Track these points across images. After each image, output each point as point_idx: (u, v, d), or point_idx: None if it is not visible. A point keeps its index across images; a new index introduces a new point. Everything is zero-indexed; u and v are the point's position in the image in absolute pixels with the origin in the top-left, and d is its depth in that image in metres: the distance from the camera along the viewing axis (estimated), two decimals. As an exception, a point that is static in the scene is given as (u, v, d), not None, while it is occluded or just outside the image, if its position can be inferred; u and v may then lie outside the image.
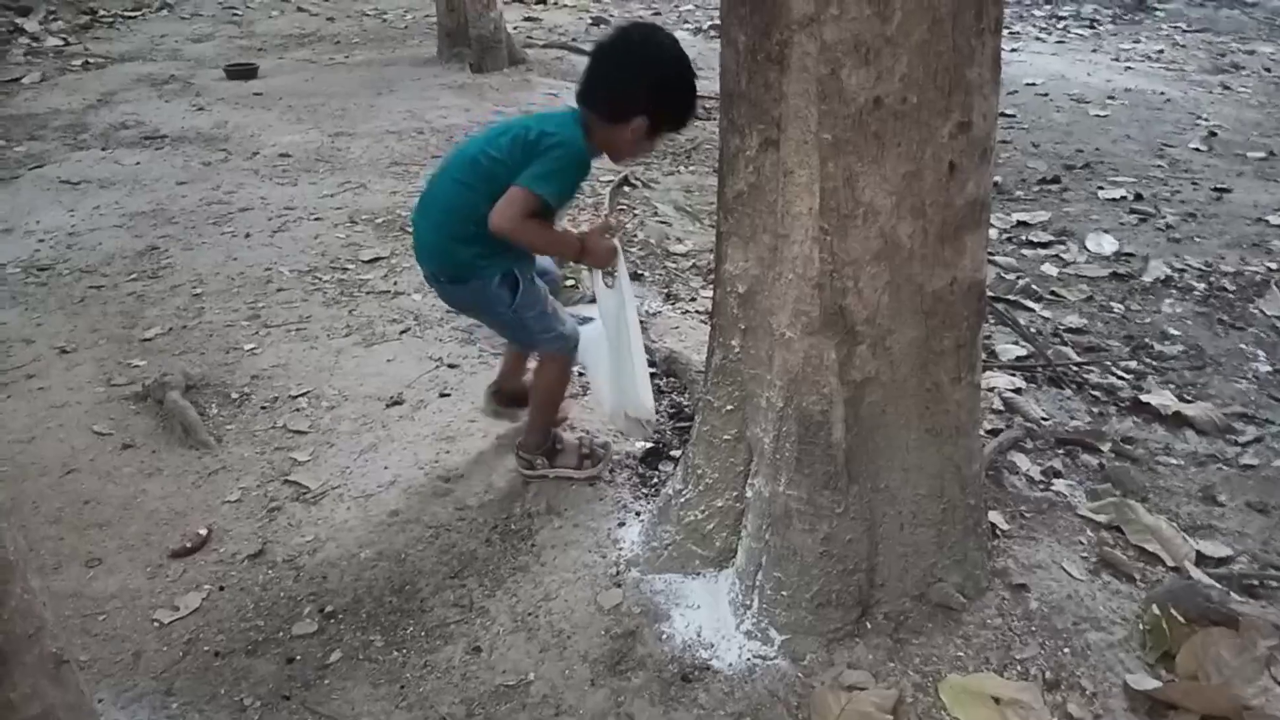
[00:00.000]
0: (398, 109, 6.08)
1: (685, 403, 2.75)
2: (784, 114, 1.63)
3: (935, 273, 1.72)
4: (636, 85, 2.03)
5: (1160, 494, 2.52)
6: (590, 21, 9.62)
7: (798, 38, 1.56)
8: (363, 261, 3.85)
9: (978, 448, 1.95)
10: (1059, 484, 2.51)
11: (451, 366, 3.02)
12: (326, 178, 4.89)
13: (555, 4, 10.79)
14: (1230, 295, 3.78)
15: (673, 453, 2.49)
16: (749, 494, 1.92)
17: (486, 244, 2.10)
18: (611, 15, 10.05)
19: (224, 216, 4.33)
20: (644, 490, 2.33)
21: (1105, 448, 2.72)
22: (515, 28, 7.86)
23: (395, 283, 3.67)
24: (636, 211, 4.57)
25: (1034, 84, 7.06)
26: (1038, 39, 8.96)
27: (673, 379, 2.88)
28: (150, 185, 4.73)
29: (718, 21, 10.14)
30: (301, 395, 2.87)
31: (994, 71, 1.64)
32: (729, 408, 1.92)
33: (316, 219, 4.31)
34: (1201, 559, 2.20)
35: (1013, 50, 8.34)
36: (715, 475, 1.96)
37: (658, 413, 2.63)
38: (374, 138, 5.56)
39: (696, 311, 3.53)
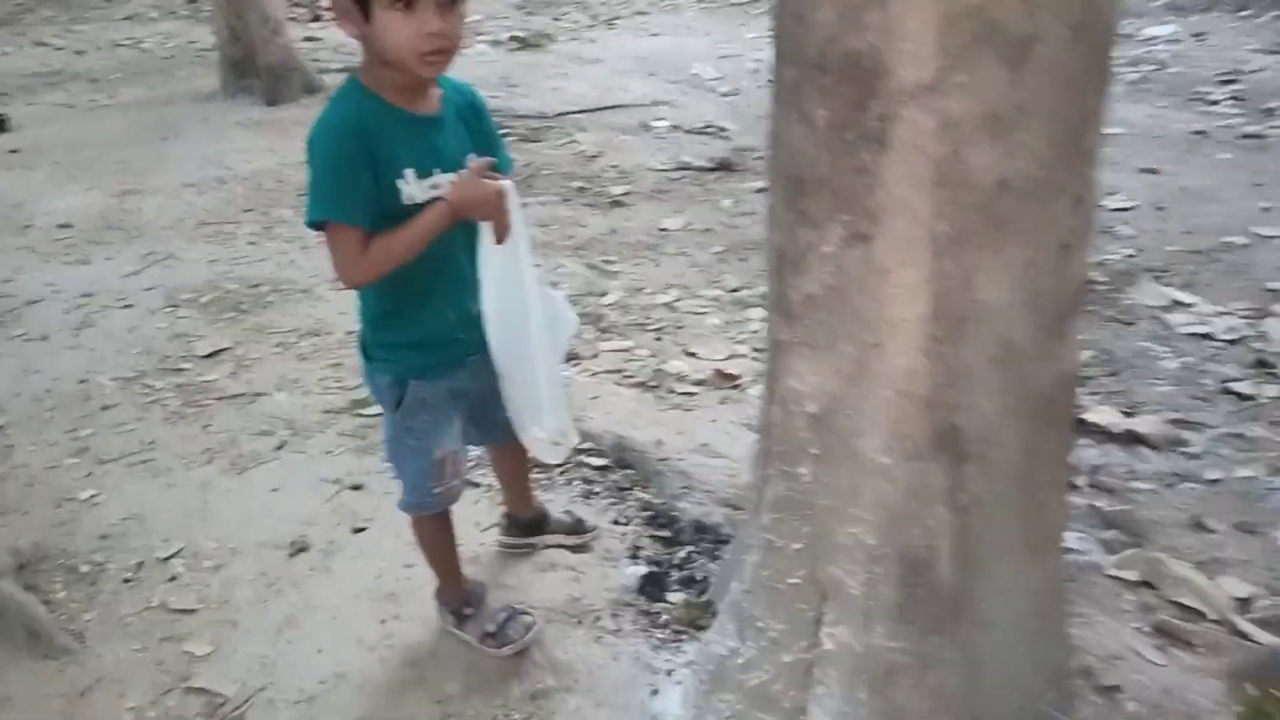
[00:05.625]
0: (191, 156, 5.30)
1: (655, 500, 2.37)
2: (881, 204, 1.30)
3: (1044, 368, 1.45)
4: None
5: (1154, 529, 2.40)
6: (376, 39, 8.93)
7: (907, 112, 1.24)
8: (200, 357, 3.21)
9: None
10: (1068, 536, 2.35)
11: (355, 488, 2.50)
12: (124, 250, 4.13)
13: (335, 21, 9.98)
14: (1104, 287, 3.74)
15: (668, 572, 2.11)
16: (827, 645, 1.59)
17: (364, 313, 1.76)
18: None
19: (8, 314, 3.54)
20: (661, 638, 1.93)
21: (1080, 482, 2.59)
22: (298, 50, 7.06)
23: (250, 381, 3.07)
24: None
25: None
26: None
27: (629, 470, 2.49)
28: (-98, 280, 3.83)
29: (518, 33, 9.57)
30: (173, 555, 2.28)
31: (1103, 136, 1.38)
32: (796, 546, 1.58)
33: (126, 306, 3.60)
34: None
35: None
36: (782, 627, 1.62)
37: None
38: (169, 193, 4.80)
39: (607, 372, 3.15)
